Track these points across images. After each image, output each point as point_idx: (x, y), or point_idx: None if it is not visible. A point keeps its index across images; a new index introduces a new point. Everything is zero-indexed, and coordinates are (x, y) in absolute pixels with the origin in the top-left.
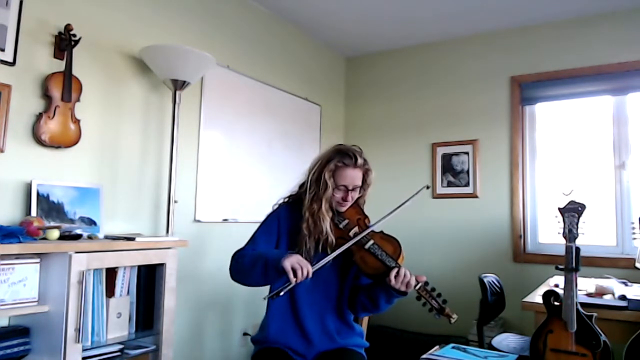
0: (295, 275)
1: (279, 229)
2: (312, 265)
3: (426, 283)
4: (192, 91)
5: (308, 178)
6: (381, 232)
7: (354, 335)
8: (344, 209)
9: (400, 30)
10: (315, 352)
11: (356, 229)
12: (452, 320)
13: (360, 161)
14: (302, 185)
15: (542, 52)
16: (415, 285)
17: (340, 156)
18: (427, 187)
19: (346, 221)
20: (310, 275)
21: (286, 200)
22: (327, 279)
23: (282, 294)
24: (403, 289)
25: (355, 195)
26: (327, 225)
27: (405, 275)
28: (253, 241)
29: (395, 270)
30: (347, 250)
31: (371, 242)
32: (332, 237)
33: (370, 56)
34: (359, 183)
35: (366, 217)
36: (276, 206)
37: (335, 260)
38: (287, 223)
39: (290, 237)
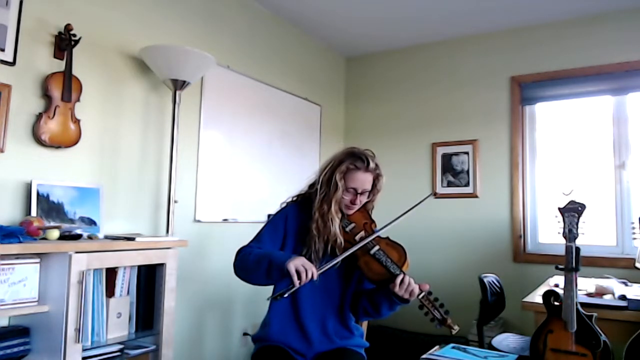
0: (299, 278)
1: (285, 228)
2: (318, 267)
3: (429, 292)
4: (192, 91)
5: (319, 178)
6: (387, 238)
7: (353, 337)
8: (351, 212)
9: (400, 30)
10: (314, 353)
11: (362, 233)
12: (453, 332)
13: (372, 165)
14: (312, 185)
15: (542, 52)
16: (419, 295)
17: (353, 159)
18: (434, 195)
19: (353, 225)
20: (315, 277)
21: (295, 199)
22: (331, 282)
23: (285, 295)
24: (406, 296)
25: (363, 199)
26: (336, 226)
27: (409, 284)
28: (259, 239)
29: (400, 277)
30: (351, 255)
31: (377, 247)
32: (340, 239)
33: (370, 56)
34: (369, 187)
35: (373, 222)
36: (284, 204)
37: (340, 264)
38: (295, 222)
39: (297, 237)
